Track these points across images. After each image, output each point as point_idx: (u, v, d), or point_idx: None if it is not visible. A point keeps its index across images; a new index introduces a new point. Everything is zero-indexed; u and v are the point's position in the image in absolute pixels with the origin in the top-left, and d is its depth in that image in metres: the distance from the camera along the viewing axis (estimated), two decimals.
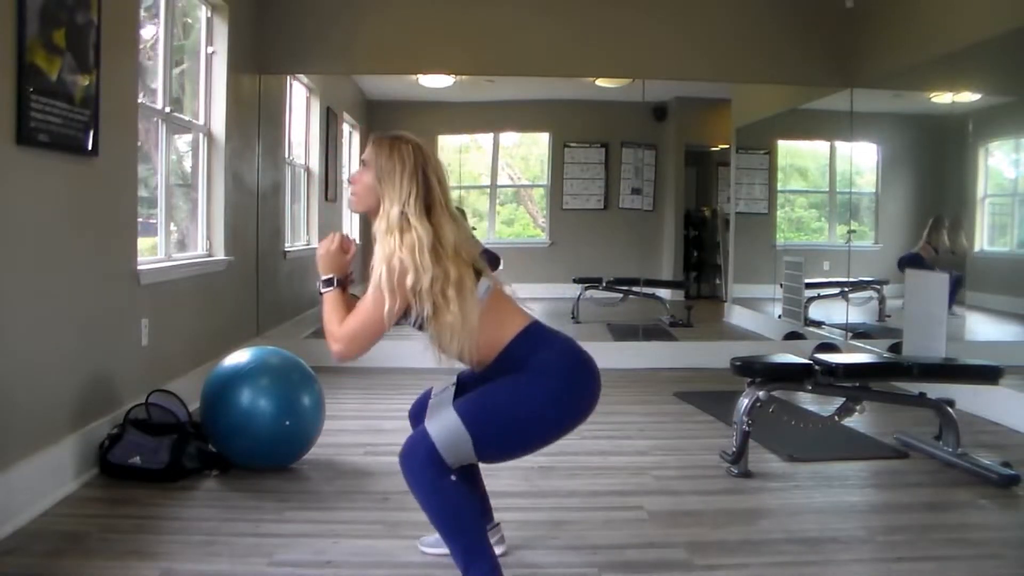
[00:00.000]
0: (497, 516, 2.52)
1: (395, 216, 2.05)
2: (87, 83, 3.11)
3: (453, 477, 2.04)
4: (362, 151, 2.14)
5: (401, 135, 2.14)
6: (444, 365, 2.17)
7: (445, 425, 2.02)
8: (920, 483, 3.30)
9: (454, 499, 2.04)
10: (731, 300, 7.52)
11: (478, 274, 2.12)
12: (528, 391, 2.07)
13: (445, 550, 2.33)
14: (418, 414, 2.27)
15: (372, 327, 2.07)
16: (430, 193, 2.09)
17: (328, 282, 2.17)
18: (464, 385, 2.19)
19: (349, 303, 2.16)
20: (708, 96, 7.29)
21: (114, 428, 3.24)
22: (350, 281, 2.23)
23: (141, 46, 3.87)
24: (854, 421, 3.78)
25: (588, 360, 2.17)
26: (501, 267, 7.15)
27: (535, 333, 2.15)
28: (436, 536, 2.39)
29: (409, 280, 2.00)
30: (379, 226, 2.09)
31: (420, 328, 2.12)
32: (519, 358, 2.10)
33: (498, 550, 2.25)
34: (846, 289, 6.30)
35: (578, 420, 2.16)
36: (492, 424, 2.06)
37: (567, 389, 2.11)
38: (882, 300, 6.23)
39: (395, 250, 2.02)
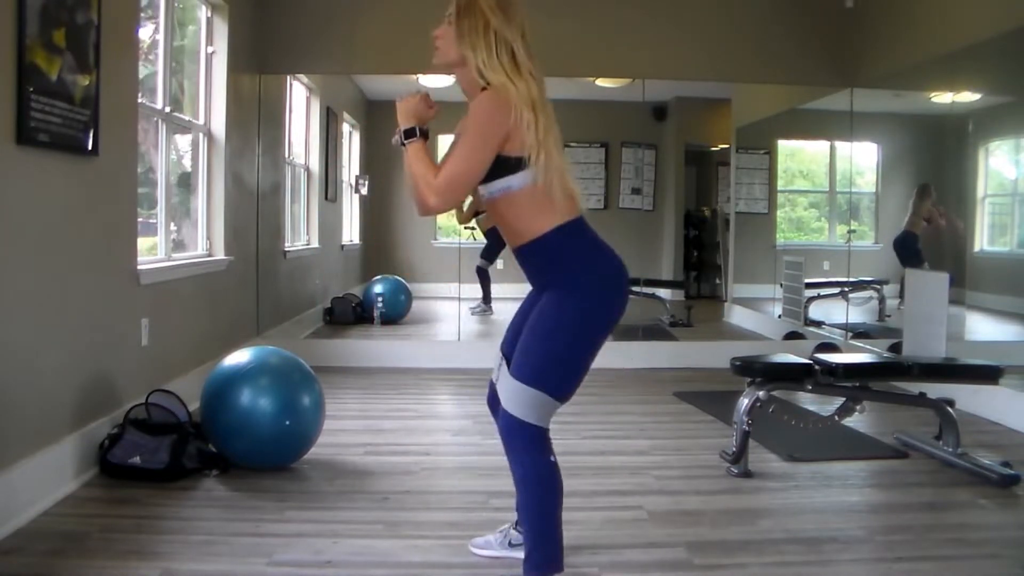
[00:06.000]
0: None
1: (483, 66, 2.08)
2: (87, 83, 3.11)
3: (553, 458, 2.12)
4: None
5: None
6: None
7: (516, 396, 2.08)
8: (920, 483, 3.30)
9: (548, 479, 2.12)
10: (731, 300, 7.52)
11: None
12: (564, 322, 2.08)
13: (492, 552, 2.47)
14: (494, 402, 2.32)
15: (470, 173, 2.04)
16: (516, 50, 2.11)
17: (410, 132, 2.12)
18: (508, 356, 2.22)
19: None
20: (708, 96, 7.29)
21: (114, 428, 3.24)
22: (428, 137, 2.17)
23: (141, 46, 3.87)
24: (854, 421, 3.79)
25: (618, 272, 2.17)
26: (500, 265, 7.19)
27: (574, 231, 2.13)
28: (485, 539, 2.52)
29: (505, 118, 2.01)
30: (466, 76, 2.13)
31: (509, 173, 2.07)
32: (553, 256, 2.11)
33: None
34: (846, 289, 6.30)
35: (612, 326, 2.17)
36: (551, 371, 2.08)
37: (598, 306, 2.12)
38: (882, 300, 6.24)
39: (488, 94, 2.05)
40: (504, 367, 2.19)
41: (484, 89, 2.09)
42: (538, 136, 2.04)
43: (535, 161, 2.04)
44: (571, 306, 2.09)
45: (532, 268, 2.21)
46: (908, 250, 5.71)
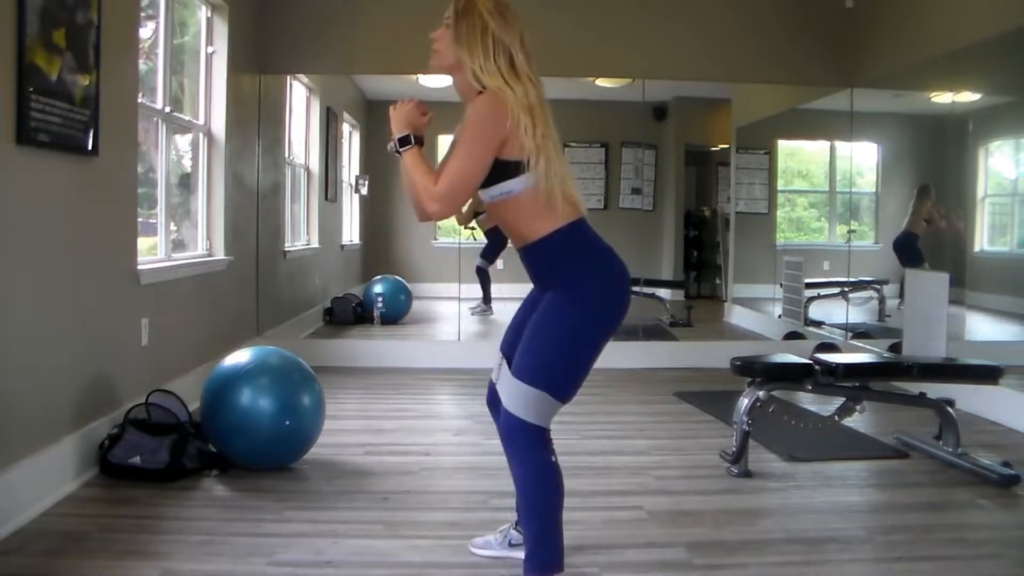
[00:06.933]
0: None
1: (480, 69, 2.06)
2: (87, 83, 3.11)
3: (553, 458, 2.12)
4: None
5: None
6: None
7: (518, 396, 2.08)
8: (920, 483, 3.30)
9: (549, 479, 2.12)
10: (731, 300, 7.52)
11: None
12: (567, 322, 2.08)
13: (492, 552, 2.47)
14: (494, 401, 2.32)
15: (469, 178, 2.03)
16: (514, 54, 2.09)
17: (405, 139, 2.12)
18: (508, 356, 2.21)
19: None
20: (708, 96, 7.29)
21: (114, 428, 3.24)
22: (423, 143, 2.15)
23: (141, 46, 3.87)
24: (854, 421, 3.78)
25: (619, 274, 2.16)
26: (500, 265, 7.19)
27: (576, 233, 2.13)
28: (485, 539, 2.52)
29: (502, 122, 2.00)
30: (463, 79, 2.12)
31: (506, 177, 2.06)
32: (556, 257, 2.11)
33: None
34: (846, 289, 6.30)
35: (615, 328, 2.17)
36: (553, 371, 2.08)
37: (600, 308, 2.11)
38: (882, 300, 6.24)
39: (484, 98, 2.04)
40: (504, 367, 2.19)
41: (480, 93, 2.08)
42: (536, 141, 2.03)
43: (534, 166, 2.04)
44: (573, 307, 2.09)
45: (535, 269, 2.21)
46: (908, 250, 5.72)
